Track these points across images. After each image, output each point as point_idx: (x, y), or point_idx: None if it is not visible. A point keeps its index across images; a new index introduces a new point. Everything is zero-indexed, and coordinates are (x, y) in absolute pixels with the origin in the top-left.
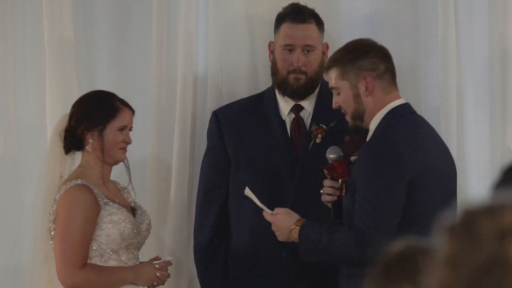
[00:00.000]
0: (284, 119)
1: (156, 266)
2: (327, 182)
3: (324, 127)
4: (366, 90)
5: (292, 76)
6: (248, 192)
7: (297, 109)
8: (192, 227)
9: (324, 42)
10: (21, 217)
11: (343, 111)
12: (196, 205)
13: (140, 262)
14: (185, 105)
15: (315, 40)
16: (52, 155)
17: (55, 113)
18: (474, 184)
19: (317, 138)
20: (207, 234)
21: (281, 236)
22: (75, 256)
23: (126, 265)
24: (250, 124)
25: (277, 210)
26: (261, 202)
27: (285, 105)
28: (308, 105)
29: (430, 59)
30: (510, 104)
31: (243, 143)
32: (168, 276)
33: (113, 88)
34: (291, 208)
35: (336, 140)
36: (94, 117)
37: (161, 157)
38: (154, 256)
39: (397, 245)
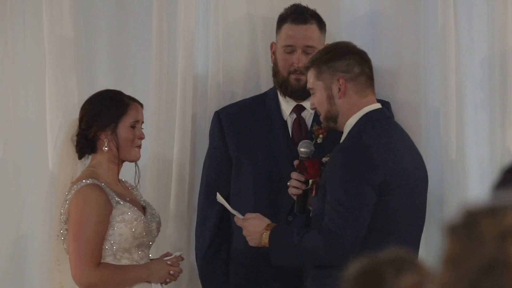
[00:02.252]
0: (285, 119)
1: (168, 262)
2: (294, 175)
3: None
4: (339, 92)
5: (293, 76)
6: (219, 198)
7: (298, 109)
8: (192, 227)
9: (326, 42)
10: (21, 217)
11: (318, 112)
12: (198, 205)
13: (151, 259)
14: (185, 105)
15: (316, 41)
16: (64, 161)
17: (55, 113)
18: (474, 185)
19: (319, 138)
20: (208, 234)
21: (252, 241)
22: (90, 255)
23: (139, 264)
24: (252, 124)
25: (248, 215)
26: (263, 207)
27: (286, 105)
28: (309, 105)
29: (430, 60)
30: (510, 104)
31: (245, 143)
32: (181, 271)
33: (113, 88)
34: (292, 208)
35: (337, 141)
36: (105, 116)
37: (162, 157)
38: (153, 256)
39: (359, 262)
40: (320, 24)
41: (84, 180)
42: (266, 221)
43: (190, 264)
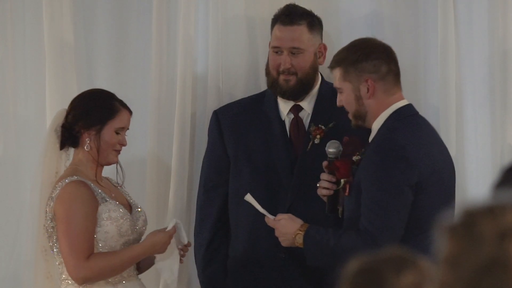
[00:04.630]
0: (283, 119)
1: (167, 230)
2: (324, 176)
3: (323, 127)
4: (367, 92)
5: (282, 77)
6: (249, 198)
7: (296, 109)
8: (191, 227)
9: (322, 42)
10: (21, 216)
11: (346, 110)
12: (196, 205)
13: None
14: (185, 105)
15: (303, 43)
16: (49, 151)
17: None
18: (474, 184)
19: (316, 139)
20: (207, 233)
21: (285, 242)
22: (80, 250)
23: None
24: (250, 123)
25: (280, 215)
26: (262, 206)
27: (284, 105)
28: (307, 105)
29: (430, 59)
30: (510, 104)
31: (243, 142)
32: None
33: (113, 88)
34: (290, 208)
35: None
36: (93, 116)
37: (161, 157)
38: (150, 259)
39: (358, 260)
40: (312, 24)
41: (68, 178)
42: (299, 221)
43: (189, 264)
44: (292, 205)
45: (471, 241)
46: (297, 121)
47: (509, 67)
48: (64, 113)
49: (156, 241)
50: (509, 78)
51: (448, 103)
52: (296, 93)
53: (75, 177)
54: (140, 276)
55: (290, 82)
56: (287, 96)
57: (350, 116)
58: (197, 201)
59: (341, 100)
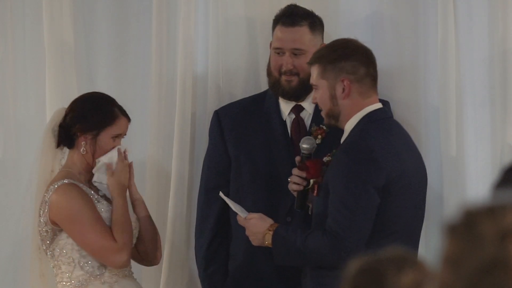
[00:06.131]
0: (284, 119)
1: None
2: (295, 171)
3: (324, 128)
4: (342, 93)
5: (284, 78)
6: (222, 195)
7: (297, 109)
8: (192, 227)
9: (323, 42)
10: (21, 217)
11: (320, 108)
12: (197, 205)
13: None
14: (185, 105)
15: (305, 44)
16: (45, 149)
17: None
18: (474, 184)
19: (317, 139)
20: (208, 234)
21: (255, 241)
22: (107, 237)
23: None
24: (251, 124)
25: (251, 215)
26: (263, 206)
27: (285, 105)
28: (308, 105)
29: (430, 59)
30: (510, 104)
31: (244, 142)
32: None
33: (112, 89)
34: (291, 208)
35: (336, 141)
36: (91, 121)
37: (161, 158)
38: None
39: (359, 260)
40: (313, 25)
41: (60, 181)
42: (269, 221)
43: (189, 264)
44: (293, 205)
45: (472, 241)
46: (298, 121)
47: (509, 67)
48: (63, 112)
49: (116, 179)
50: (509, 78)
51: (448, 103)
52: (298, 94)
53: (66, 180)
54: (140, 276)
55: (292, 82)
56: (289, 97)
57: (323, 114)
58: (197, 202)
59: (315, 97)
